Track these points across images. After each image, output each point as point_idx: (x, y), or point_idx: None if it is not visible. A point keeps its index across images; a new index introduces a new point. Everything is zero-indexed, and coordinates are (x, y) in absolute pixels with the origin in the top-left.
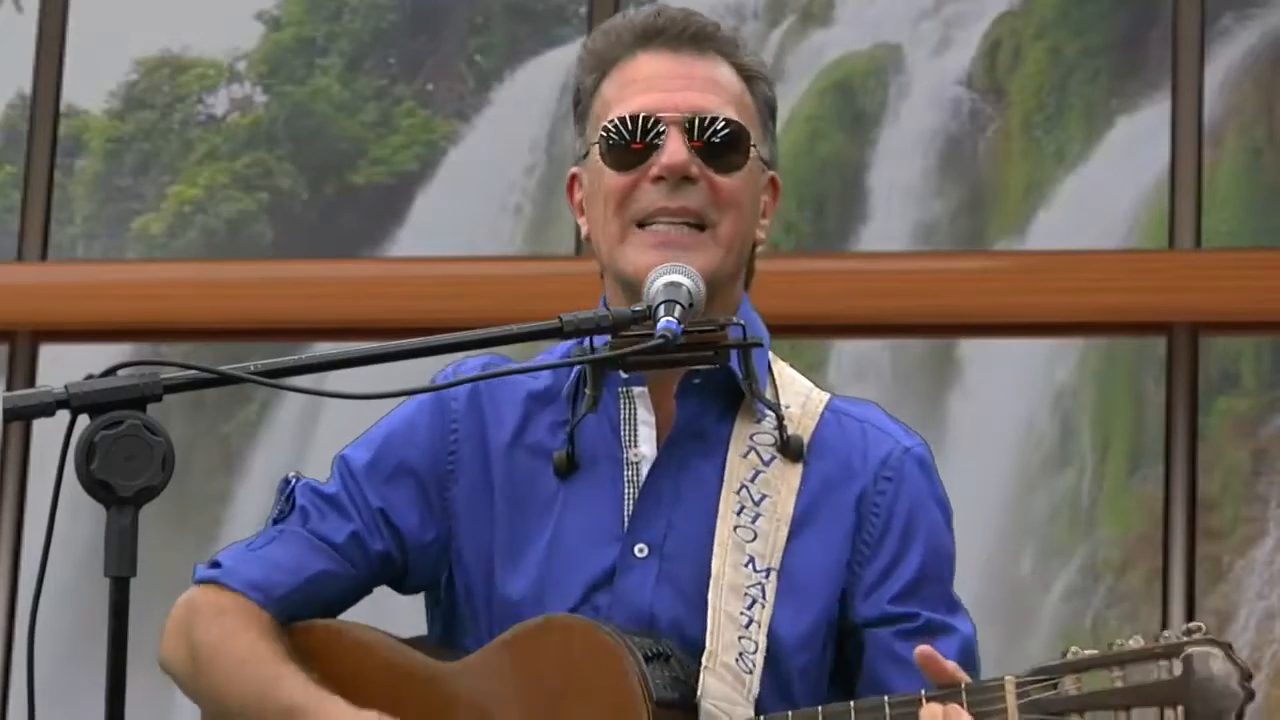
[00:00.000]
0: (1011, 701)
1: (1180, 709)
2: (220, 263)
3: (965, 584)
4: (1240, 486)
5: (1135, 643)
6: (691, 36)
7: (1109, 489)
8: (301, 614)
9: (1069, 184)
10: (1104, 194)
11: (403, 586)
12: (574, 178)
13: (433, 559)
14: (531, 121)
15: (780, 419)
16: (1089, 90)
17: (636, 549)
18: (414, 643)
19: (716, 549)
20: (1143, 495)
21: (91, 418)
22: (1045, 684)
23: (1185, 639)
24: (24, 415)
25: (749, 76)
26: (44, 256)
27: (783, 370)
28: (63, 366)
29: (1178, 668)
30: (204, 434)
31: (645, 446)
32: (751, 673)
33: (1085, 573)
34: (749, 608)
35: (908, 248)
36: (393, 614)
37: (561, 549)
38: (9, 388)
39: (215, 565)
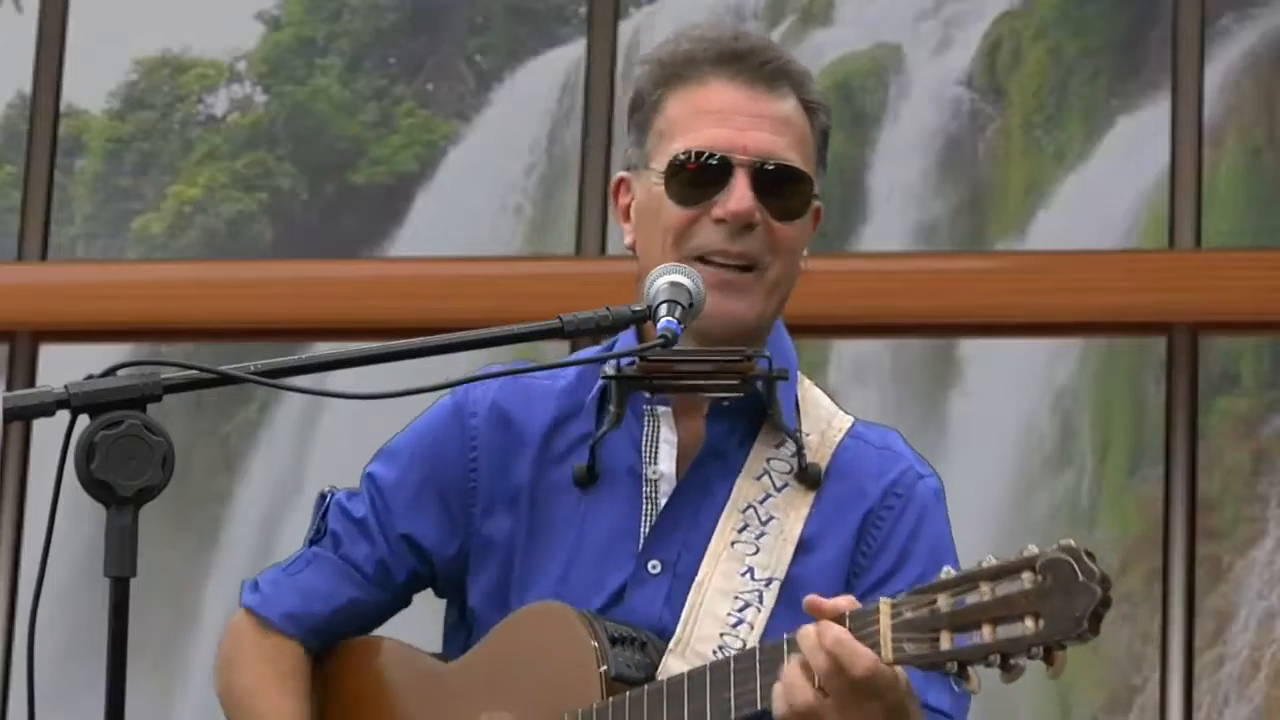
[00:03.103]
0: (885, 622)
1: (1039, 619)
2: (220, 263)
3: None
4: (1240, 486)
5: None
6: (771, 71)
7: (1109, 489)
8: (335, 637)
9: (1069, 184)
10: (1104, 194)
11: (436, 591)
12: (622, 181)
13: (459, 569)
14: (531, 121)
15: (800, 447)
16: (1089, 90)
17: (650, 565)
18: (431, 653)
19: (707, 559)
20: (1143, 495)
21: (91, 418)
22: (919, 604)
23: (1045, 549)
24: (24, 415)
25: (812, 110)
26: (44, 256)
27: (808, 394)
28: (63, 366)
29: (1038, 577)
30: (204, 434)
31: (664, 464)
32: None
33: None
34: (740, 610)
35: (908, 248)
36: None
37: (578, 563)
38: (9, 388)
39: (255, 588)
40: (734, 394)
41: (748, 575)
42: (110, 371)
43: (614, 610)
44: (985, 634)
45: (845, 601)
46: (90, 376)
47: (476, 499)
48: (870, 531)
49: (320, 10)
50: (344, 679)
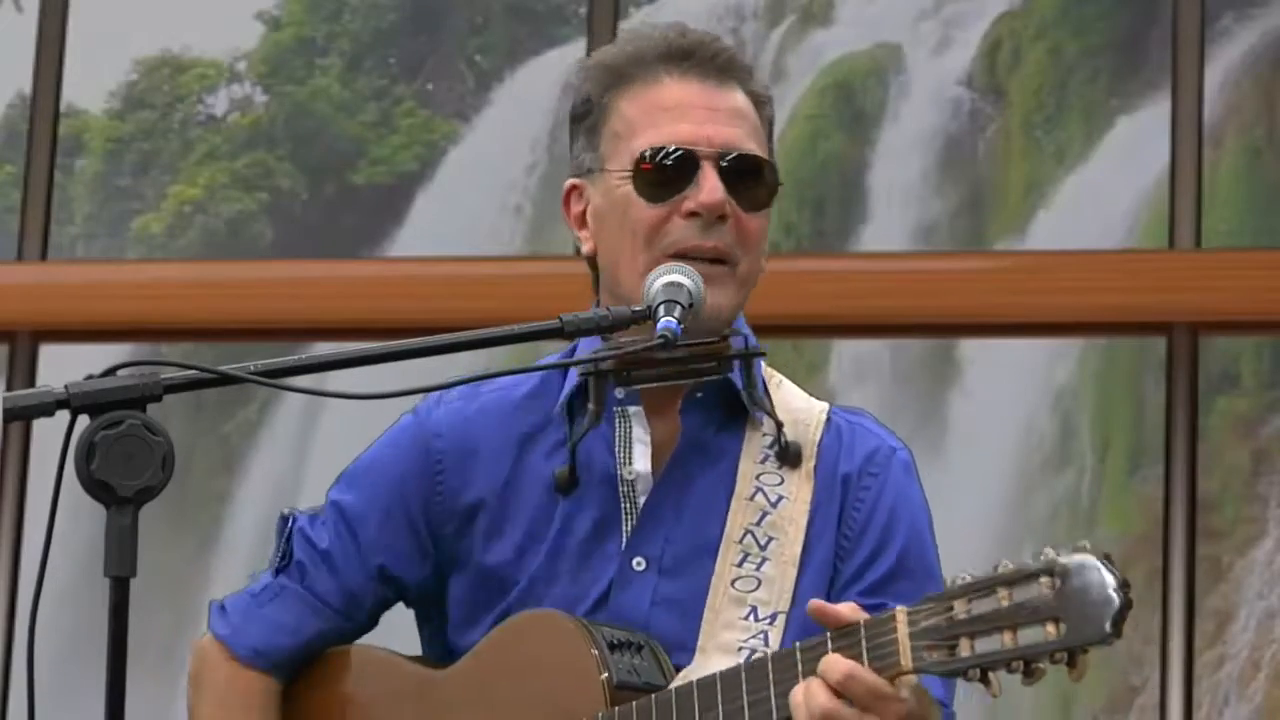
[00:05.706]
0: (903, 630)
1: (1060, 623)
2: (220, 263)
3: None
4: (1240, 486)
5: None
6: (720, 65)
7: (1109, 489)
8: (303, 666)
9: (1069, 184)
10: (1104, 194)
11: (407, 604)
12: (574, 188)
13: (435, 588)
14: (531, 121)
15: (779, 425)
16: (1089, 90)
17: (634, 563)
18: (418, 659)
19: (706, 617)
20: (1143, 495)
21: (91, 418)
22: (935, 611)
23: (1062, 553)
24: (24, 415)
25: (760, 102)
26: (44, 256)
27: (780, 392)
28: (63, 366)
29: (1056, 582)
30: (204, 434)
31: (640, 464)
32: None
33: None
34: (747, 659)
35: (908, 248)
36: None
37: (560, 568)
38: (9, 388)
39: (224, 613)
40: (712, 375)
41: (750, 617)
42: (110, 371)
43: (601, 611)
44: (1006, 640)
45: (848, 609)
46: (90, 376)
47: (447, 520)
48: (851, 513)
49: (320, 10)
50: (327, 687)
